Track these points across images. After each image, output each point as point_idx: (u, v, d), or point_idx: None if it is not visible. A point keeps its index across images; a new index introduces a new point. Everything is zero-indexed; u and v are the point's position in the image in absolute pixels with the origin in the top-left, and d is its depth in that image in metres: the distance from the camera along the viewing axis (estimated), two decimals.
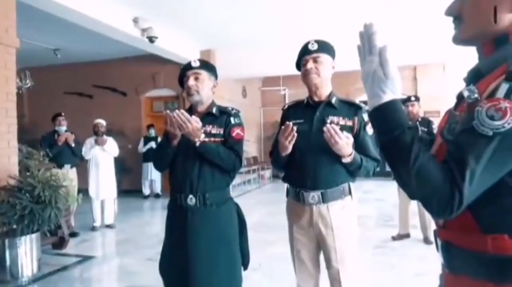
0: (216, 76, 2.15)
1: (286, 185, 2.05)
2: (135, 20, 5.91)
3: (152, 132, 8.19)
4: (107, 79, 8.92)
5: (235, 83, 9.69)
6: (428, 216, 4.43)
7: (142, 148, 8.19)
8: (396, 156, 0.82)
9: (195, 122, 1.87)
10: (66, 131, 5.28)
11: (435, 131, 4.34)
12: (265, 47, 7.72)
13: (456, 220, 0.80)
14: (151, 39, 6.19)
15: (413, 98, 4.39)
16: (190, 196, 1.97)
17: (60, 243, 4.51)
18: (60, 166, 5.01)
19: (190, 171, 1.97)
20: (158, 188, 8.41)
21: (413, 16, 6.20)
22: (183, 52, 7.54)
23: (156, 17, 6.07)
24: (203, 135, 1.92)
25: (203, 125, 1.97)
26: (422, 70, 9.84)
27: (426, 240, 4.47)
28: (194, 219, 1.97)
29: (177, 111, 1.86)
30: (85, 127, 6.94)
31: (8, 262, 3.48)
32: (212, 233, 1.96)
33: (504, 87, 0.75)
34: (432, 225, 4.47)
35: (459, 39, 0.91)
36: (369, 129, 1.91)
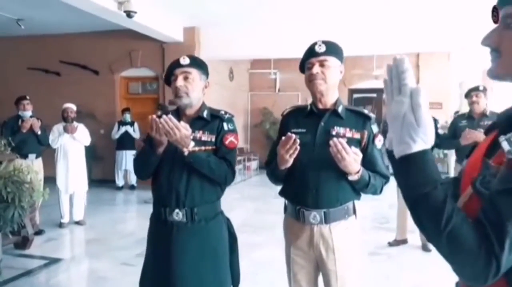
0: (207, 75, 2.08)
1: (284, 200, 2.03)
2: None
3: (128, 117, 8.05)
4: (77, 54, 8.68)
5: (222, 64, 9.56)
6: None
7: (115, 134, 8.05)
8: (425, 213, 0.80)
9: (184, 129, 1.82)
10: (31, 116, 5.12)
11: (439, 131, 4.36)
12: (256, 26, 7.61)
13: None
14: (129, 14, 6.01)
15: None
16: (177, 210, 1.93)
17: (23, 243, 4.43)
18: (24, 156, 4.87)
19: (176, 183, 1.93)
20: (133, 179, 8.31)
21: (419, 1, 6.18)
22: (164, 29, 7.38)
23: None
24: (192, 143, 1.87)
25: (192, 131, 1.91)
26: (425, 57, 9.88)
27: (425, 247, 4.55)
28: (180, 235, 1.94)
29: (164, 116, 1.80)
30: (51, 108, 6.78)
31: None
32: (200, 251, 1.94)
33: None
34: None
35: (494, 74, 0.89)
36: (378, 142, 1.89)
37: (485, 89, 4.17)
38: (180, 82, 1.95)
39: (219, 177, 1.96)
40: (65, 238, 5.17)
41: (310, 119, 1.92)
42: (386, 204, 6.52)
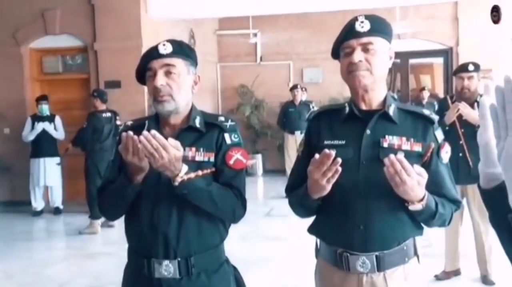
0: (196, 65, 2.10)
1: (315, 239, 2.08)
2: None
3: (45, 109, 7.97)
4: None
5: (178, 25, 9.53)
6: (488, 243, 4.65)
7: (29, 134, 7.96)
8: None
9: (175, 148, 1.83)
10: None
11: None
12: None
13: None
14: None
15: (471, 67, 4.48)
16: (166, 262, 1.96)
17: None
18: None
19: (164, 224, 1.95)
20: (56, 200, 8.27)
21: None
22: None
23: None
24: (185, 168, 1.88)
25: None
26: (466, 7, 10.10)
27: (485, 279, 4.70)
28: None
29: (145, 132, 1.80)
30: None
31: None
32: None
33: None
34: (493, 257, 4.73)
35: None
36: (445, 155, 1.94)
37: None
38: (160, 80, 1.95)
39: (224, 212, 2.00)
40: None
41: (350, 125, 1.97)
42: None
